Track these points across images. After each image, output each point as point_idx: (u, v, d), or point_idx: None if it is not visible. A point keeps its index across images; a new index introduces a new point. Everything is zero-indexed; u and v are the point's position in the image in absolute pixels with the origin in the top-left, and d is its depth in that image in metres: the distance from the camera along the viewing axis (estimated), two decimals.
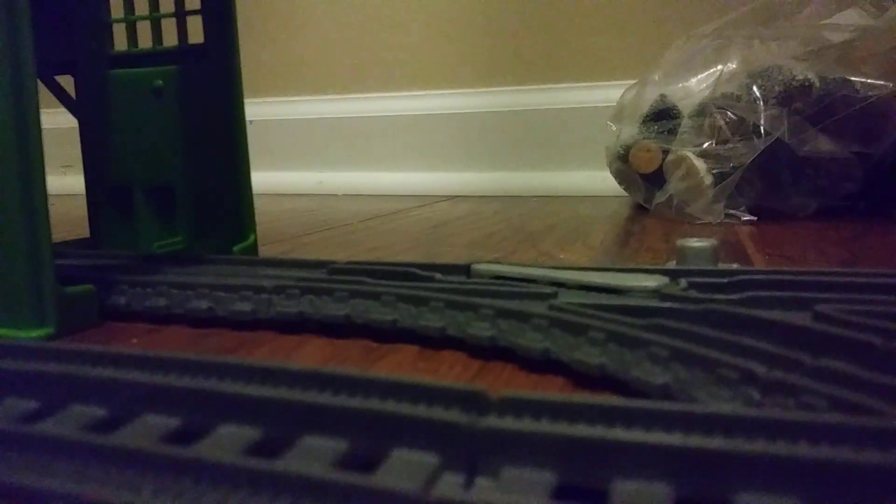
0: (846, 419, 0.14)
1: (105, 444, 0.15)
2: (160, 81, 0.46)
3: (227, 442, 0.16)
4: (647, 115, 0.74)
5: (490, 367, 0.27)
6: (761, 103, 0.64)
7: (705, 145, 0.66)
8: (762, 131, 0.63)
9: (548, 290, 0.30)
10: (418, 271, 0.33)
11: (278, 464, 0.14)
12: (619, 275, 0.30)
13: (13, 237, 0.31)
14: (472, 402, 0.16)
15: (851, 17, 0.68)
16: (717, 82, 0.69)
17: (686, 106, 0.71)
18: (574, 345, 0.25)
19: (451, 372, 0.26)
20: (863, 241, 0.53)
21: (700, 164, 0.65)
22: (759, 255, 0.48)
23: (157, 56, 0.46)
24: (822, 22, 0.69)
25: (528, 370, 0.26)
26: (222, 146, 0.45)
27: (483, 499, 0.13)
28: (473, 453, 0.15)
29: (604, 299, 0.28)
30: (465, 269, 0.34)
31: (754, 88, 0.65)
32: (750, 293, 0.27)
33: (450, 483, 0.15)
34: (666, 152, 0.69)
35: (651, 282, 0.29)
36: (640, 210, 0.75)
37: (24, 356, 0.22)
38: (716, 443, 0.14)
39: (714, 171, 0.64)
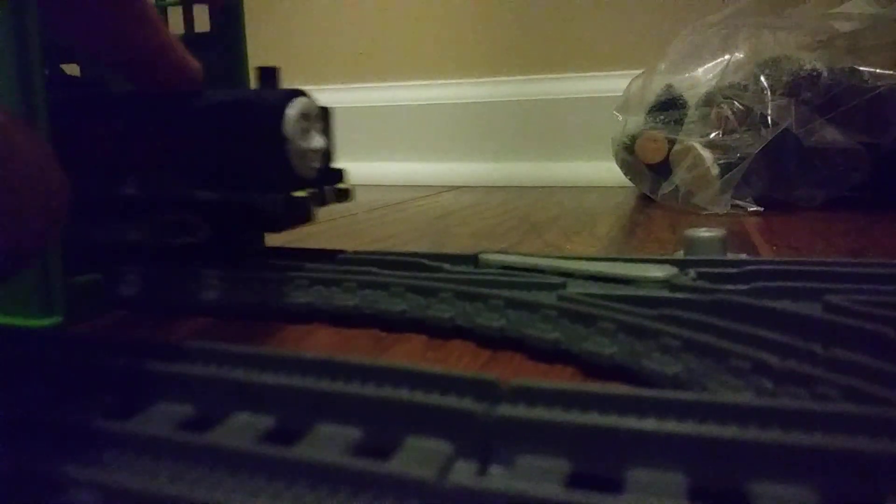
0: (860, 409, 0.14)
1: (121, 432, 0.16)
2: None
3: (241, 429, 0.16)
4: (653, 105, 0.73)
5: (499, 357, 0.27)
6: (769, 93, 0.64)
7: (712, 135, 0.66)
8: (769, 121, 0.63)
9: (556, 280, 0.30)
10: (426, 261, 0.33)
11: (294, 450, 0.14)
12: (628, 265, 0.30)
13: None
14: (485, 390, 0.16)
15: (860, 7, 0.67)
16: (724, 72, 0.68)
17: (693, 96, 0.71)
18: (584, 335, 0.25)
19: (459, 362, 0.26)
20: (871, 231, 0.53)
21: (707, 155, 0.65)
22: (766, 245, 0.48)
23: None
24: (830, 11, 0.68)
25: (536, 360, 0.26)
26: None
27: (497, 486, 0.13)
28: (487, 441, 0.15)
29: (613, 289, 0.28)
30: (473, 260, 0.34)
31: (762, 78, 0.65)
32: (759, 283, 0.27)
33: (464, 470, 0.15)
34: (672, 142, 0.69)
35: (660, 272, 0.29)
36: (645, 200, 0.75)
37: (35, 344, 0.22)
38: (730, 432, 0.14)
39: (721, 162, 0.64)
